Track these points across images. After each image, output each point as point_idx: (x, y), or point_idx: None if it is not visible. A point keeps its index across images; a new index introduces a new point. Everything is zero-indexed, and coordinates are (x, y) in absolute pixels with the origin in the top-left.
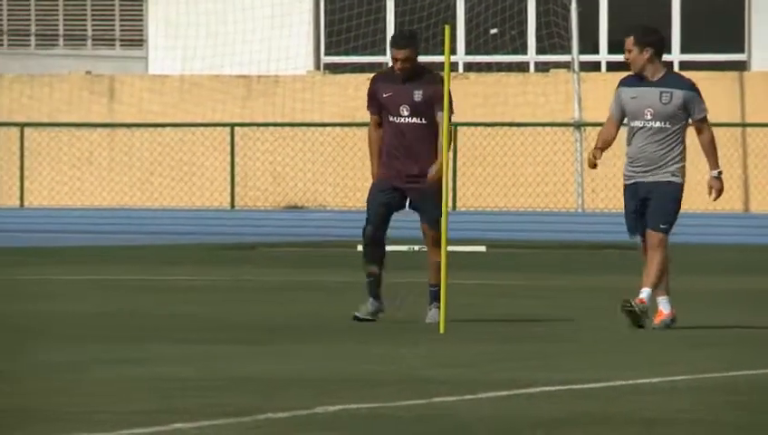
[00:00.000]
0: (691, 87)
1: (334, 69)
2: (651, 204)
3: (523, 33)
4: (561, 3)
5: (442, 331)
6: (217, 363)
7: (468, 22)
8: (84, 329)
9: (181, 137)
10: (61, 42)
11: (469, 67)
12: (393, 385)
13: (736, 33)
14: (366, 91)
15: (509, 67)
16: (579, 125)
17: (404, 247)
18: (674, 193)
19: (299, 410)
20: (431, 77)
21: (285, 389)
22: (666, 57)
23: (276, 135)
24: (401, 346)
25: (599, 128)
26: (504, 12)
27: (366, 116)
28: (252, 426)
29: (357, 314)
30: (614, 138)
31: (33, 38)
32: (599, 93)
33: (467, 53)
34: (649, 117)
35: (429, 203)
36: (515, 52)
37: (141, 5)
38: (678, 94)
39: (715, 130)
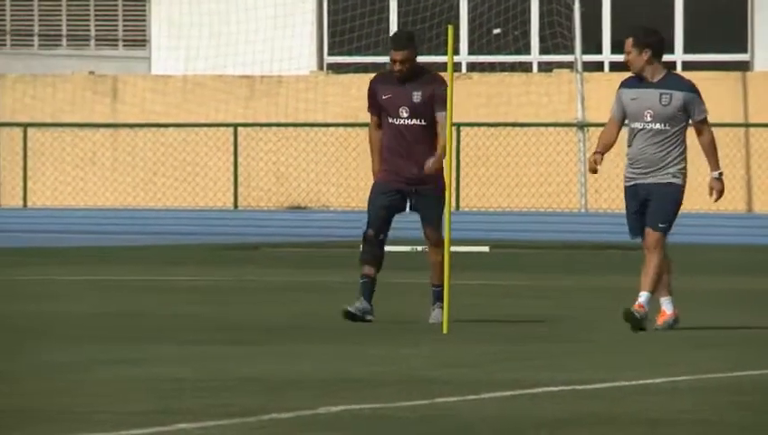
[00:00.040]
0: (691, 88)
1: (337, 69)
2: (651, 205)
3: (526, 34)
4: (565, 3)
5: (445, 331)
6: (220, 364)
7: (471, 22)
8: (87, 329)
9: (184, 137)
10: (64, 42)
11: (472, 67)
12: (396, 385)
13: (739, 34)
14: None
15: (512, 67)
16: (582, 125)
17: (407, 248)
18: (674, 194)
19: (303, 411)
20: (430, 77)
21: (288, 389)
22: (668, 57)
23: (279, 135)
24: (404, 347)
25: (602, 128)
26: (507, 12)
27: (369, 116)
28: (256, 426)
29: (348, 307)
30: (615, 140)
31: (36, 38)
32: (602, 93)
33: (470, 53)
34: (649, 118)
35: (430, 204)
36: (518, 52)
37: (144, 6)
38: (678, 96)
39: (718, 131)
